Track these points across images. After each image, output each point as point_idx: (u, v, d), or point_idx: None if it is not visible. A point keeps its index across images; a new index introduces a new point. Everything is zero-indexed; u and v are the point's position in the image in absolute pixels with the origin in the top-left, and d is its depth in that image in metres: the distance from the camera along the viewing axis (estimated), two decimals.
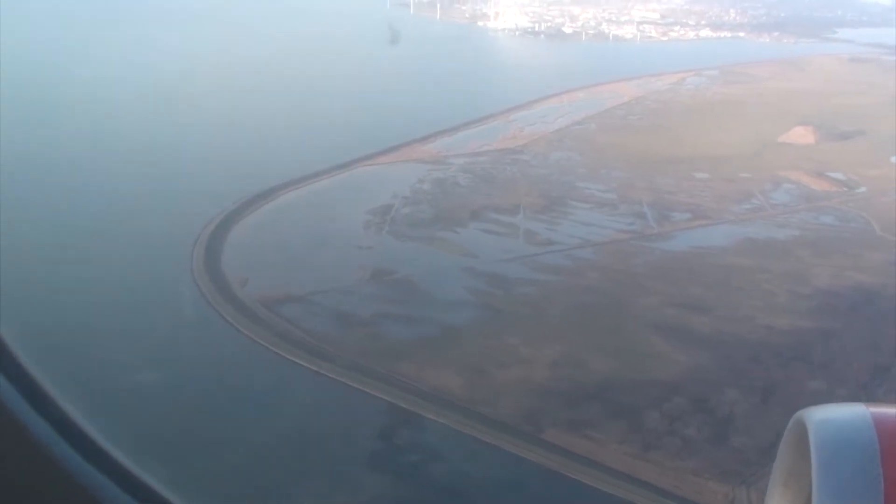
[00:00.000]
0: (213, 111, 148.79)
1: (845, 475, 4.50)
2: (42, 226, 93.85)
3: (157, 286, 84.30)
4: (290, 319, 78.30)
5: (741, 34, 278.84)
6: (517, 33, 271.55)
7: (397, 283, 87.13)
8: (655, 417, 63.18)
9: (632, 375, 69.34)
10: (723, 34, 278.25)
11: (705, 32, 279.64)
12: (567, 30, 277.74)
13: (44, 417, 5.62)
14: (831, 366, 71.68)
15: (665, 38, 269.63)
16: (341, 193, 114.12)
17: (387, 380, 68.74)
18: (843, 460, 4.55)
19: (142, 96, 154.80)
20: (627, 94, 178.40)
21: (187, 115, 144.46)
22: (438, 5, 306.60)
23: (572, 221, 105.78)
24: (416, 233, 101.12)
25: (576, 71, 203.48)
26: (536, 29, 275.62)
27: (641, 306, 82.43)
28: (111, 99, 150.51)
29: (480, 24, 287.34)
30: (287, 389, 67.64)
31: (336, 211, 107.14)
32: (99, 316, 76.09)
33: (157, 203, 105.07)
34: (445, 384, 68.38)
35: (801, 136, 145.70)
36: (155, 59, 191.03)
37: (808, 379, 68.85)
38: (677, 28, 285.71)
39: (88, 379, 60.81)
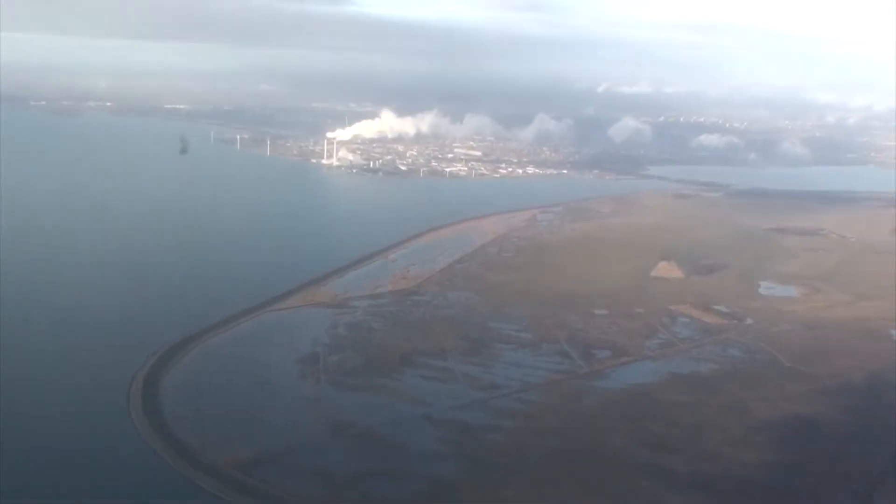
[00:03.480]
0: (92, 262, 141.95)
1: None
2: None
3: (111, 457, 77.46)
4: (275, 484, 73.70)
5: (564, 171, 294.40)
6: (354, 171, 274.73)
7: (363, 437, 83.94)
8: None
9: None
10: (548, 171, 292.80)
11: (532, 170, 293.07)
12: (402, 167, 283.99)
13: None
14: (820, 498, 74.77)
15: (497, 176, 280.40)
16: (260, 342, 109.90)
17: None
18: None
19: None
20: (490, 232, 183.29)
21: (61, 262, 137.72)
22: (268, 142, 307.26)
23: (503, 363, 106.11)
24: (355, 381, 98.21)
25: (429, 208, 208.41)
26: (372, 166, 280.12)
27: (614, 449, 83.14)
28: None
29: (314, 161, 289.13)
30: None
31: (263, 361, 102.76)
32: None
33: (73, 362, 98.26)
34: None
35: (668, 270, 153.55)
36: None
37: None
38: (504, 166, 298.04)
39: None
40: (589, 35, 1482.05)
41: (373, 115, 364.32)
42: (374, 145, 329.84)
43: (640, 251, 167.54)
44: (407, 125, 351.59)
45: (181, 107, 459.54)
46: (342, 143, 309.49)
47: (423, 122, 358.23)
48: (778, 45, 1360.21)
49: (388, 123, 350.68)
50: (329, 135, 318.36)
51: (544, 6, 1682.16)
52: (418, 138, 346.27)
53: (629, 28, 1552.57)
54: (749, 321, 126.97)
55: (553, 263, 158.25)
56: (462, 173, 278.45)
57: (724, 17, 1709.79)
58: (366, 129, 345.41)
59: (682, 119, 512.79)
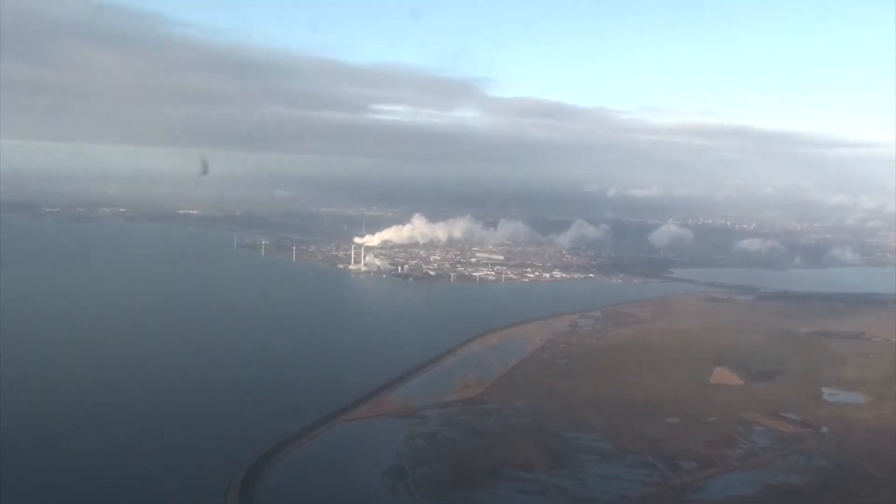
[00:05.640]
0: (147, 377, 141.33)
1: None
2: None
3: None
4: None
5: (591, 275, 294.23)
6: (384, 276, 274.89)
7: None
8: None
9: None
10: (575, 275, 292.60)
11: (558, 274, 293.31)
12: (431, 272, 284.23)
13: None
14: None
15: (526, 280, 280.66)
16: (342, 454, 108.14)
17: None
18: None
19: None
20: (537, 338, 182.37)
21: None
22: (294, 249, 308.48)
23: (592, 475, 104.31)
24: (449, 495, 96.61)
25: (470, 314, 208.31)
26: (401, 271, 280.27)
27: None
28: None
29: (341, 266, 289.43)
30: None
31: (351, 475, 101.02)
32: None
33: (159, 483, 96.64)
34: None
35: (726, 377, 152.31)
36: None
37: None
38: (530, 270, 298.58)
39: None
40: (592, 139, 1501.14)
41: (401, 220, 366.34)
42: (396, 250, 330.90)
43: (690, 356, 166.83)
44: (439, 231, 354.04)
45: (194, 212, 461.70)
46: (369, 249, 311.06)
47: (455, 228, 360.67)
48: (774, 146, 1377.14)
49: (419, 229, 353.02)
50: (357, 240, 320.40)
51: (553, 112, 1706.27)
52: (449, 244, 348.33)
53: (630, 133, 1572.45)
54: (824, 430, 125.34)
55: (608, 370, 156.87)
56: (491, 278, 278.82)
57: (721, 119, 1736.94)
58: (395, 234, 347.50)
59: (689, 221, 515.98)
